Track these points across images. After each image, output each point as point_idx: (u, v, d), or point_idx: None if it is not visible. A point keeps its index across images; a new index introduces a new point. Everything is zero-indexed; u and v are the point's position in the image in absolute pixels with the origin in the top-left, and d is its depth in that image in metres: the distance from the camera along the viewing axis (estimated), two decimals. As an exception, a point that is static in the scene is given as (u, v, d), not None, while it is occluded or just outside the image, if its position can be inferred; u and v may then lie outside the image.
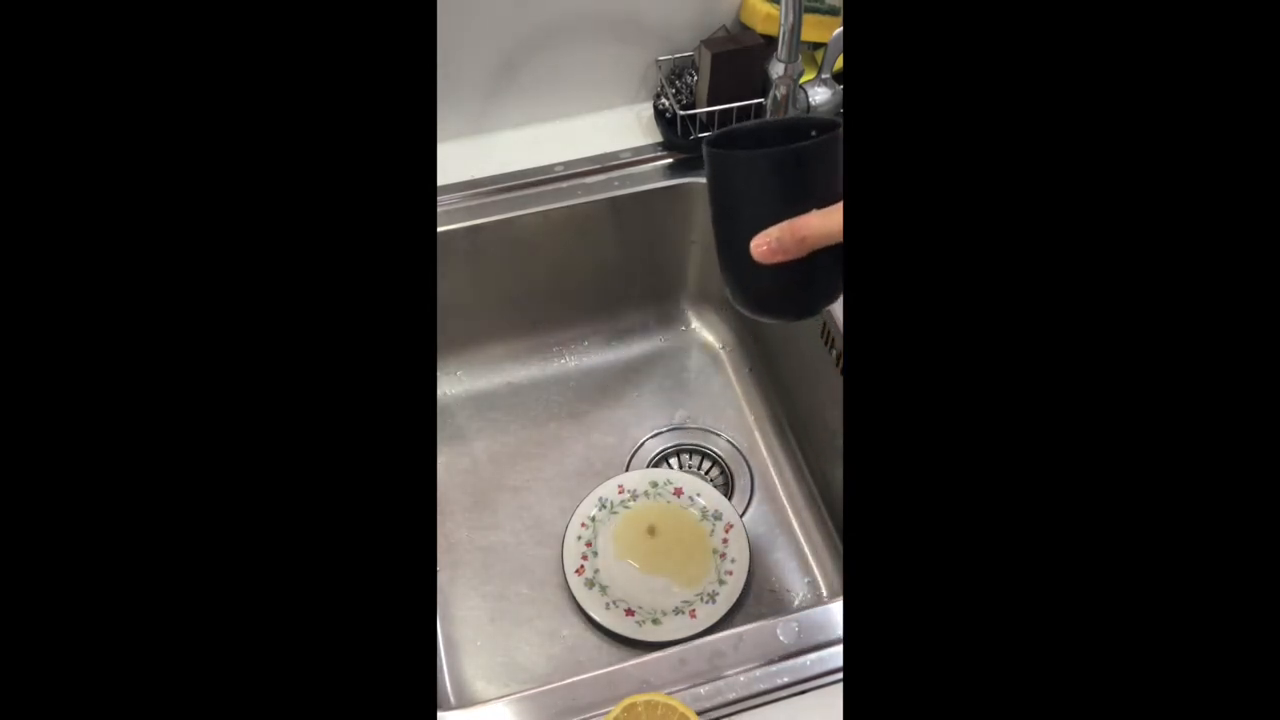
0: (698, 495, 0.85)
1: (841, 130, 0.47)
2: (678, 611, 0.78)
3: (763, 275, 0.48)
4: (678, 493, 0.86)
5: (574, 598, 0.79)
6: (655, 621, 0.77)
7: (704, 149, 0.48)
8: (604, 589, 0.79)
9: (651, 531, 0.83)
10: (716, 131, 0.50)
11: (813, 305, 0.51)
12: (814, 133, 0.49)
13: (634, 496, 0.86)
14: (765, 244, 0.45)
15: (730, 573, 0.79)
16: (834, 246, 0.46)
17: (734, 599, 0.78)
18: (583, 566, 0.81)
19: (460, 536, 0.85)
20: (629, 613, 0.78)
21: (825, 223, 0.45)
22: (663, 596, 0.79)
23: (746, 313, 0.52)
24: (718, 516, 0.83)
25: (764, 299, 0.51)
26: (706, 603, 0.78)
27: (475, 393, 0.96)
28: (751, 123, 0.51)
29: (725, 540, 0.82)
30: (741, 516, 0.84)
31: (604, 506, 0.85)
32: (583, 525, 0.84)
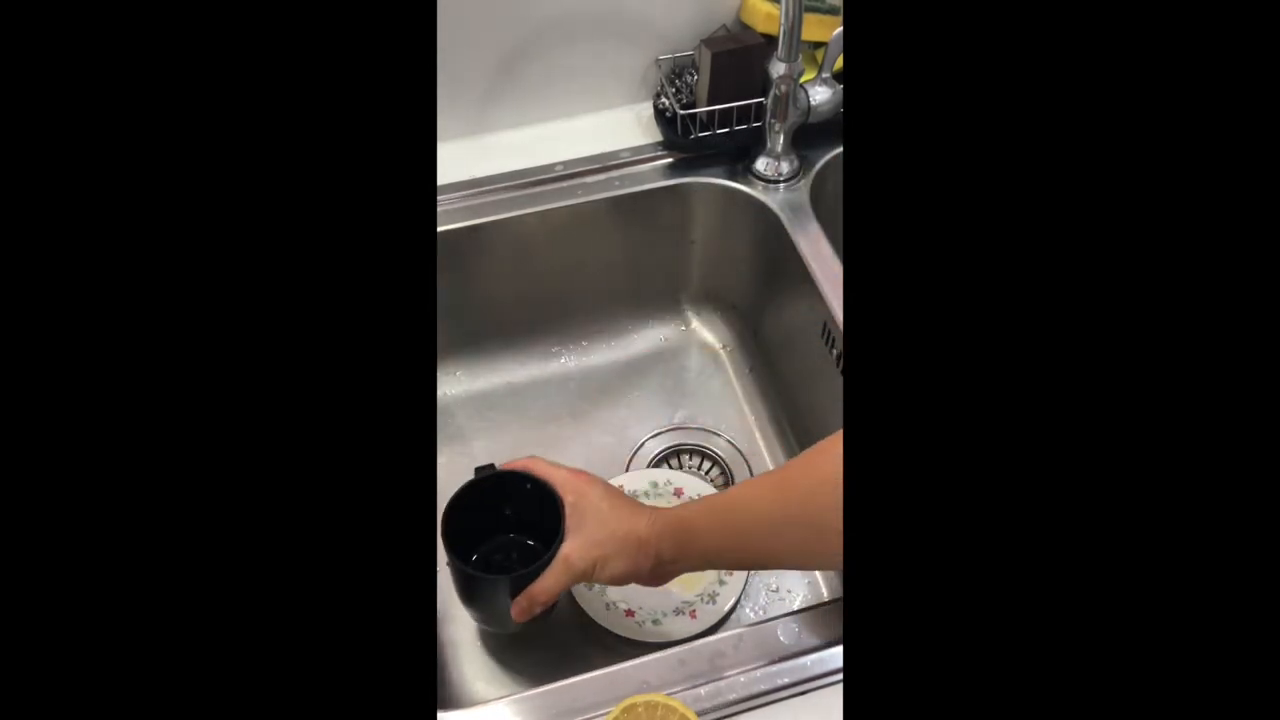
0: (698, 496, 0.85)
1: (553, 549, 0.63)
2: (678, 612, 0.77)
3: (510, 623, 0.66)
4: (678, 493, 0.85)
5: (573, 598, 0.78)
6: (655, 622, 0.77)
7: (450, 564, 0.66)
8: (603, 589, 0.79)
9: None
10: (447, 507, 0.67)
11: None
12: (529, 485, 0.67)
13: (634, 497, 0.85)
14: (518, 609, 0.64)
15: (731, 573, 0.79)
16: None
17: (734, 599, 0.78)
18: None
19: (460, 537, 0.85)
20: (629, 613, 0.77)
21: (544, 587, 0.63)
22: (662, 597, 0.79)
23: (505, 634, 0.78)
24: None
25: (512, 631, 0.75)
26: (707, 603, 0.78)
27: (475, 393, 0.96)
28: (468, 484, 0.70)
29: None
30: (741, 516, 0.84)
31: None
32: None
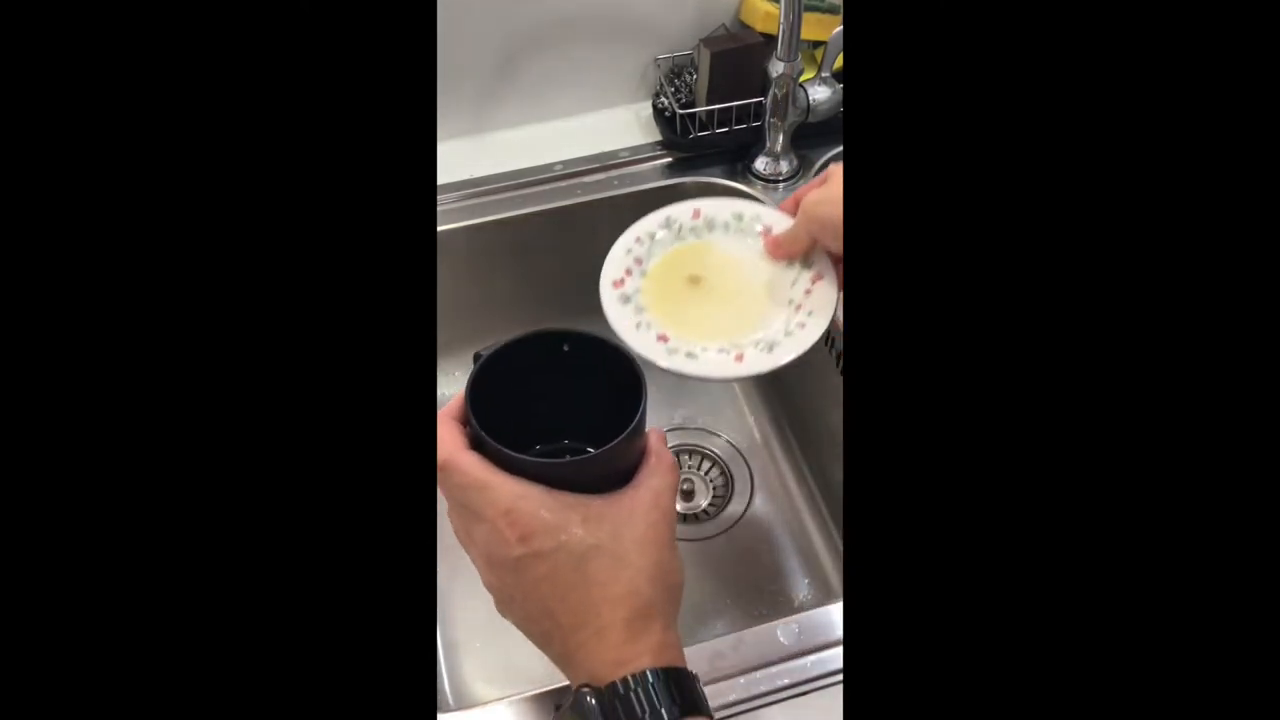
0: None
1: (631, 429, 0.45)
2: (721, 350, 0.62)
3: None
4: (765, 232, 0.67)
5: (602, 312, 0.65)
6: (690, 355, 0.62)
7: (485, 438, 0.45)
8: (640, 309, 0.65)
9: (718, 265, 0.67)
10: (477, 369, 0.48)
11: None
12: (566, 347, 0.50)
13: (710, 227, 0.68)
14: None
15: (802, 325, 0.63)
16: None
17: (794, 355, 0.62)
18: (623, 280, 0.66)
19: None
20: (662, 338, 0.63)
21: None
22: (708, 330, 0.64)
23: None
24: (807, 264, 0.66)
25: None
26: (760, 349, 0.62)
27: (474, 393, 0.96)
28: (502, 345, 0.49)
29: (808, 292, 0.64)
30: (742, 516, 0.84)
31: (669, 227, 0.68)
32: (637, 240, 0.68)
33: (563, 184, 0.89)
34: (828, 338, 0.81)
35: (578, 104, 0.95)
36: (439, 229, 0.86)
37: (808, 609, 0.61)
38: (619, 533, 0.44)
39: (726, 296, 0.66)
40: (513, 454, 0.44)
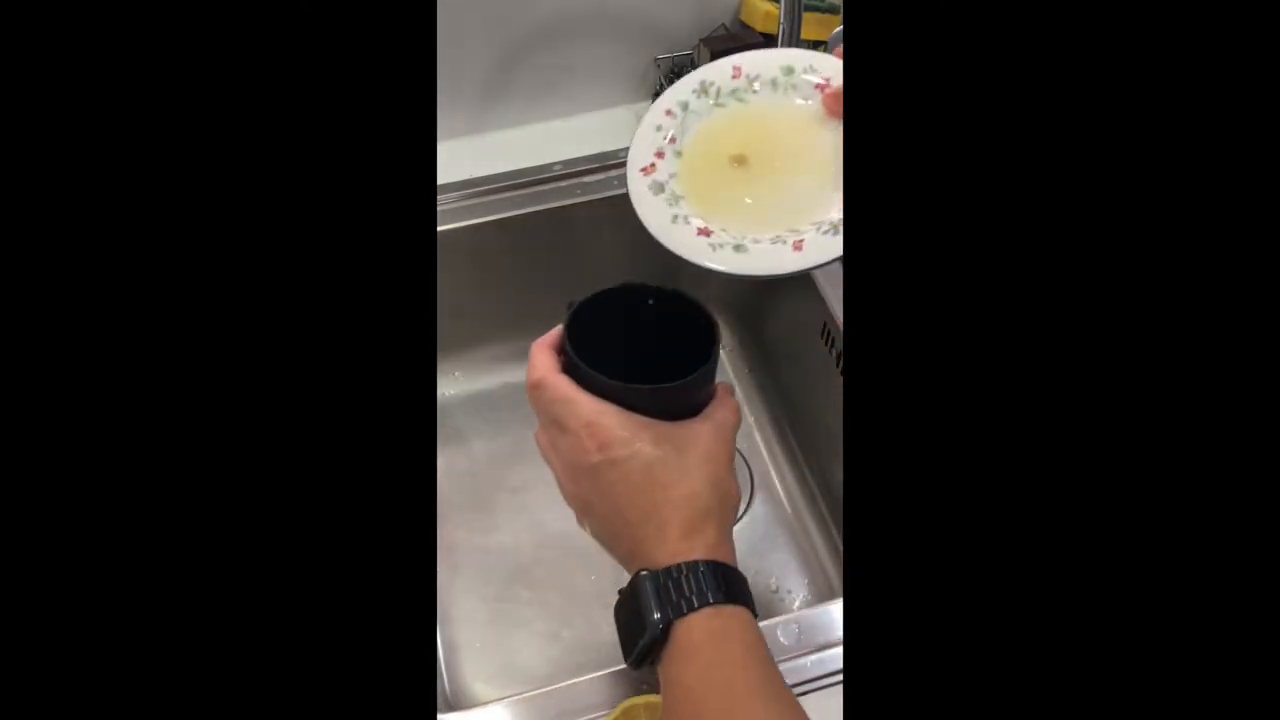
0: None
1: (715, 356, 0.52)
2: (776, 240, 0.52)
3: None
4: (822, 86, 0.56)
5: (630, 205, 0.55)
6: (739, 248, 0.52)
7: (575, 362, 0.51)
8: (676, 198, 0.55)
9: (767, 136, 0.57)
10: (568, 323, 0.53)
11: None
12: (650, 301, 0.55)
13: (753, 86, 0.57)
14: None
15: None
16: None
17: None
18: (653, 165, 0.56)
19: (459, 538, 0.85)
20: (703, 232, 0.53)
21: None
22: (759, 217, 0.54)
23: None
24: None
25: None
26: (825, 233, 0.51)
27: (474, 393, 0.96)
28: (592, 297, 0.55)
29: None
30: (741, 517, 0.84)
31: (705, 93, 0.57)
32: (668, 114, 0.57)
33: (563, 184, 0.89)
34: (826, 338, 0.81)
35: (578, 104, 0.95)
36: (439, 229, 0.86)
37: (807, 608, 0.61)
38: (683, 449, 0.50)
39: (779, 173, 0.56)
40: (599, 376, 0.50)
